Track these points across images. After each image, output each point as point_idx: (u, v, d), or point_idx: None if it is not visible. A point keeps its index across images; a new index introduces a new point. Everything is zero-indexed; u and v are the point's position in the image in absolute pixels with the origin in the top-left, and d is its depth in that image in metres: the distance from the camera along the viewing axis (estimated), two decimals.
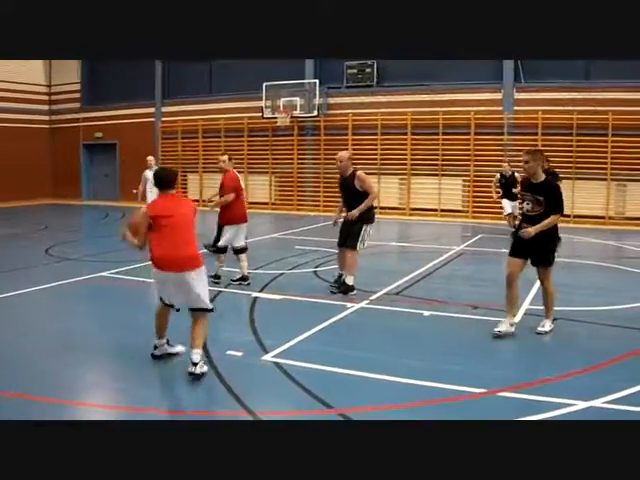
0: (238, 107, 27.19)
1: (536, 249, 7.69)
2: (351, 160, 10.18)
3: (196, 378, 6.15)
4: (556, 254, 7.88)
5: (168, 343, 6.82)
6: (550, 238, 7.71)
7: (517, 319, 8.21)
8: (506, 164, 17.65)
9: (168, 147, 28.84)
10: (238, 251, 10.65)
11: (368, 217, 9.93)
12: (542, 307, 8.97)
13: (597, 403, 5.63)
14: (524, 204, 7.82)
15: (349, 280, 9.97)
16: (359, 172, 10.04)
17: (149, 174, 15.91)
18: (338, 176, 10.42)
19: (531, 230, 7.53)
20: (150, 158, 16.97)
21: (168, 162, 28.39)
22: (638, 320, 8.56)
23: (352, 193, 9.93)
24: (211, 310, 6.54)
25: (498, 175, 17.58)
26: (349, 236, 9.86)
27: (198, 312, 6.46)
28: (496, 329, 7.68)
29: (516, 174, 16.35)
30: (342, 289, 9.93)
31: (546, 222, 7.56)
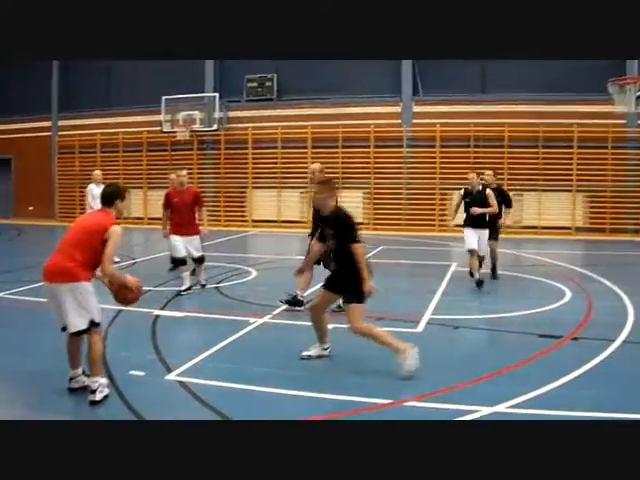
0: (137, 121, 26.76)
1: (343, 285, 6.95)
2: (323, 172, 10.46)
3: (97, 404, 5.93)
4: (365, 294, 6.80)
5: (84, 374, 6.27)
6: (355, 275, 6.75)
7: (420, 328, 8.30)
8: (473, 174, 12.56)
9: (65, 162, 28.04)
10: (201, 260, 11.65)
11: None
12: (443, 316, 9.15)
13: (501, 408, 5.72)
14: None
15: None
16: None
17: (94, 189, 15.81)
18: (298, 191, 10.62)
19: None
20: (97, 172, 16.70)
21: (65, 178, 27.69)
22: (536, 326, 8.79)
23: None
24: (81, 332, 5.96)
25: (461, 191, 12.60)
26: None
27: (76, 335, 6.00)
28: (305, 353, 7.37)
29: (488, 190, 12.23)
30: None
31: (362, 262, 6.74)
